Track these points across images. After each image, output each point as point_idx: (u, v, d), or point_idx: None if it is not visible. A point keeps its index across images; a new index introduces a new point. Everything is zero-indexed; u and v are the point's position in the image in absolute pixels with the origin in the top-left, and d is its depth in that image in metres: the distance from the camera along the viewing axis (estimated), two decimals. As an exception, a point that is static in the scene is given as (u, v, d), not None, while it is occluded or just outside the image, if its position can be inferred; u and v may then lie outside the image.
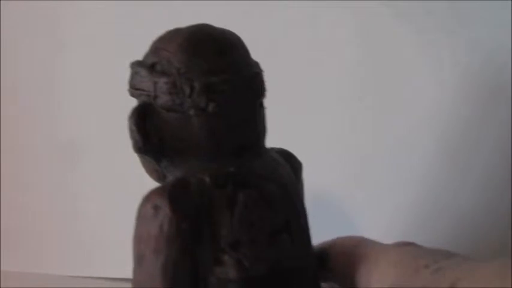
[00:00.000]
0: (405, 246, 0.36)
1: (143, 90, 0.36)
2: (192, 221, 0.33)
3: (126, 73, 0.38)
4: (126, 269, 0.36)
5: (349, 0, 0.56)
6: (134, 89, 0.36)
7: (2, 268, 0.65)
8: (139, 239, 0.34)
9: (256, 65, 0.38)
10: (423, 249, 0.36)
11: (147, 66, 0.36)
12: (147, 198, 0.34)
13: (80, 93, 0.65)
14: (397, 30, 0.56)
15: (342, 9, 0.57)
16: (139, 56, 0.38)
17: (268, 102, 0.38)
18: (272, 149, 0.40)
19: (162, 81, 0.35)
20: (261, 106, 0.38)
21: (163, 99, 0.35)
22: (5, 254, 0.67)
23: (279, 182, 0.37)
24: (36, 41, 0.66)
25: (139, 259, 0.34)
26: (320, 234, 0.40)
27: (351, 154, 0.57)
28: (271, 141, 0.39)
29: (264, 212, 0.35)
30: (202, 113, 0.34)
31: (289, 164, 0.39)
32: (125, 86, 0.37)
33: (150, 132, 0.35)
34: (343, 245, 0.39)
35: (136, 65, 0.37)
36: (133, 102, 0.37)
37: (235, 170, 0.35)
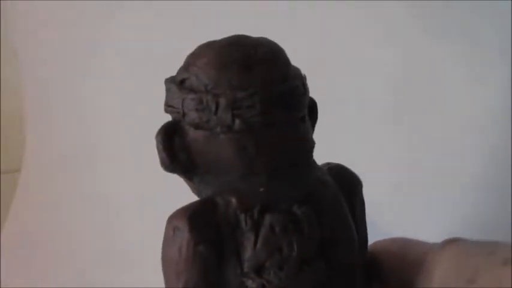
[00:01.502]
0: (457, 241, 0.36)
1: (173, 107, 0.35)
2: (214, 244, 0.32)
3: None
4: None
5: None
6: (167, 105, 0.36)
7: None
8: (163, 261, 0.33)
9: (297, 76, 0.35)
10: (475, 241, 0.36)
11: (177, 83, 0.35)
12: (170, 219, 0.33)
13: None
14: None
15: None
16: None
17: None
18: (327, 164, 0.37)
19: (189, 98, 0.34)
20: (302, 121, 0.35)
21: (191, 116, 0.34)
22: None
23: (317, 205, 0.34)
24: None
25: (165, 280, 0.34)
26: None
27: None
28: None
29: (294, 237, 0.33)
30: (228, 130, 0.33)
31: (342, 181, 0.36)
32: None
33: (177, 151, 0.34)
34: (390, 249, 0.39)
35: (168, 82, 0.36)
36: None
37: (265, 191, 0.33)
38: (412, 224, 0.55)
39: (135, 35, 0.66)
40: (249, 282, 0.32)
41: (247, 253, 0.32)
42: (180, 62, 0.36)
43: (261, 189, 0.33)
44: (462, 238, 0.36)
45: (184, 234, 0.32)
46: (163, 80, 0.36)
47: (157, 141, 0.34)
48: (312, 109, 0.37)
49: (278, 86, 0.34)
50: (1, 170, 0.73)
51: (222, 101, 0.33)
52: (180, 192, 0.36)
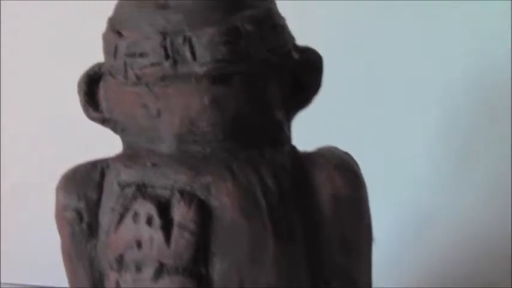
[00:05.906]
0: None
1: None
2: (85, 212, 0.27)
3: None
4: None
5: None
6: None
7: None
8: None
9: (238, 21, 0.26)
10: None
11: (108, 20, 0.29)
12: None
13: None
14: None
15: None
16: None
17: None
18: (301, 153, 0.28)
19: (103, 38, 0.28)
20: (221, 82, 0.25)
21: (105, 60, 0.28)
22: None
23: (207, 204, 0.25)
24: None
25: None
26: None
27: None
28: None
29: (156, 235, 0.26)
30: (126, 81, 0.26)
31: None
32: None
33: (101, 99, 0.29)
34: None
35: None
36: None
37: (151, 166, 0.26)
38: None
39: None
40: (109, 272, 0.27)
41: (107, 236, 0.27)
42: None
43: (148, 164, 0.26)
44: None
45: (57, 196, 0.28)
46: None
47: (79, 87, 0.29)
48: (307, 74, 0.28)
49: (184, 32, 0.25)
50: None
51: (121, 44, 0.26)
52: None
